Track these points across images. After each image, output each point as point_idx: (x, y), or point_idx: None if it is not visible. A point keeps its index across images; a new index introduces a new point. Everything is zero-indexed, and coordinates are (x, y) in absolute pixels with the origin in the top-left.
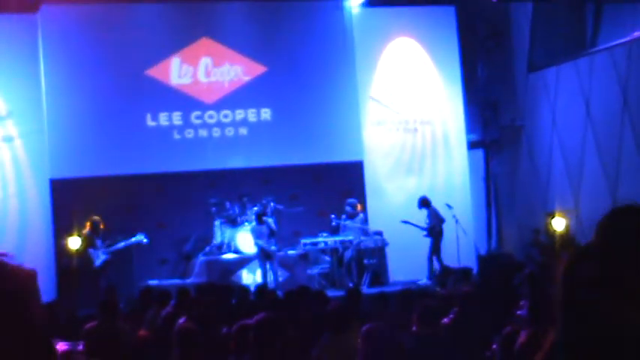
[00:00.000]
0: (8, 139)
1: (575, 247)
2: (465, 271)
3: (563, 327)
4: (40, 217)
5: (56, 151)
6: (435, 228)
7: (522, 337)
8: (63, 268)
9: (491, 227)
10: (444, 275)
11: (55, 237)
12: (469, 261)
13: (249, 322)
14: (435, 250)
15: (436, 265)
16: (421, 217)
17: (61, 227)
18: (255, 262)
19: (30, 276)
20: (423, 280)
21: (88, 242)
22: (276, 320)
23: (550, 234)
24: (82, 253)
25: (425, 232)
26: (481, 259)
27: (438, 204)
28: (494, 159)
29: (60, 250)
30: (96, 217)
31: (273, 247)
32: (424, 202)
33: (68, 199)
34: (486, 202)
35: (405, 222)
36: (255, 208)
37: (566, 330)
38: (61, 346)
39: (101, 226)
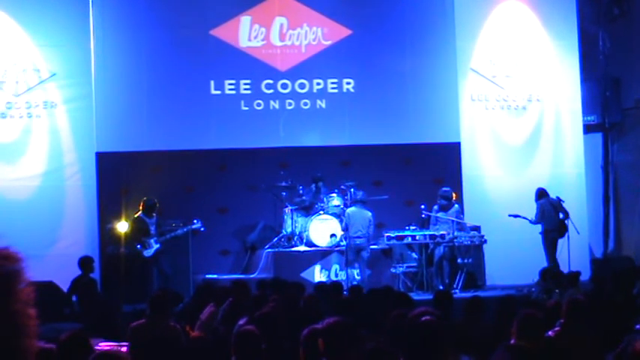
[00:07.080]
0: (49, 105)
1: None
2: (571, 276)
3: None
4: (84, 196)
5: (104, 120)
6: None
7: None
8: (108, 256)
9: (608, 226)
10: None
11: (99, 220)
12: (582, 265)
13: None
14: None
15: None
16: (530, 210)
17: (107, 209)
18: (331, 258)
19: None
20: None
21: (140, 227)
22: (349, 325)
23: None
24: (132, 240)
25: (540, 229)
26: (596, 263)
27: None
28: (614, 146)
29: (105, 236)
30: (151, 198)
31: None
32: (540, 194)
33: (116, 177)
34: (604, 197)
35: (515, 216)
36: (334, 195)
37: None
38: (102, 346)
39: (156, 207)
